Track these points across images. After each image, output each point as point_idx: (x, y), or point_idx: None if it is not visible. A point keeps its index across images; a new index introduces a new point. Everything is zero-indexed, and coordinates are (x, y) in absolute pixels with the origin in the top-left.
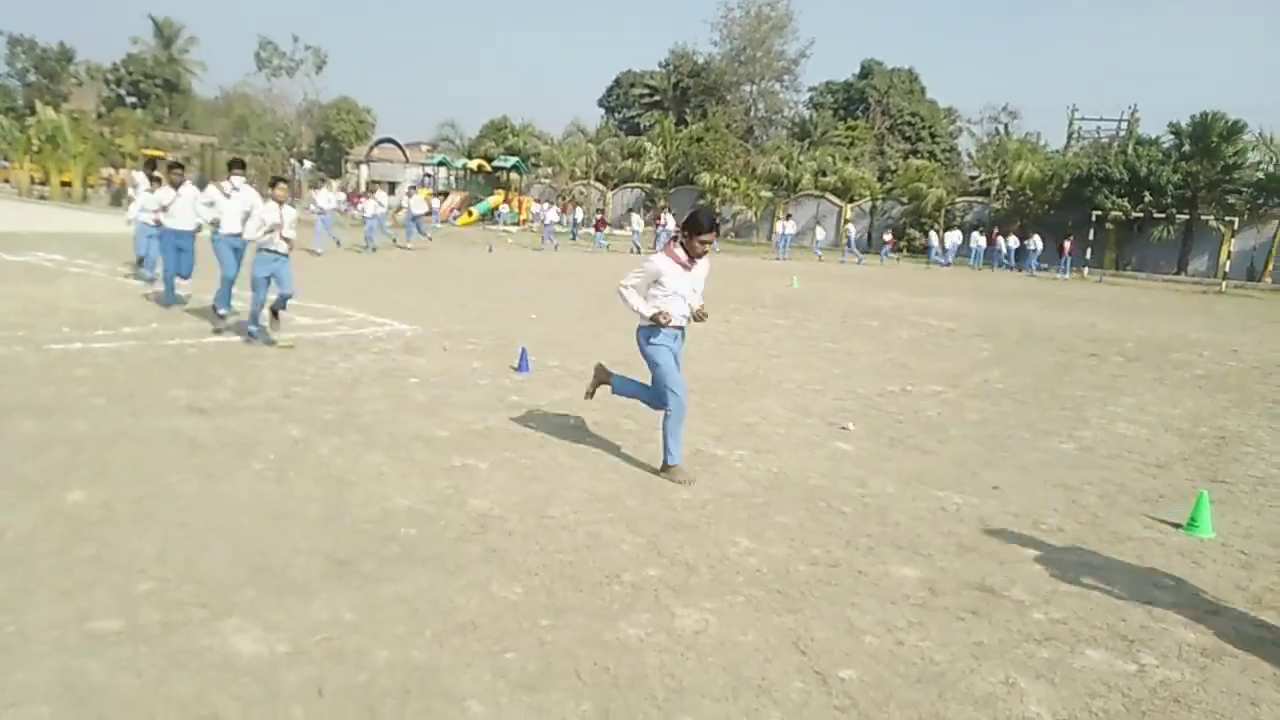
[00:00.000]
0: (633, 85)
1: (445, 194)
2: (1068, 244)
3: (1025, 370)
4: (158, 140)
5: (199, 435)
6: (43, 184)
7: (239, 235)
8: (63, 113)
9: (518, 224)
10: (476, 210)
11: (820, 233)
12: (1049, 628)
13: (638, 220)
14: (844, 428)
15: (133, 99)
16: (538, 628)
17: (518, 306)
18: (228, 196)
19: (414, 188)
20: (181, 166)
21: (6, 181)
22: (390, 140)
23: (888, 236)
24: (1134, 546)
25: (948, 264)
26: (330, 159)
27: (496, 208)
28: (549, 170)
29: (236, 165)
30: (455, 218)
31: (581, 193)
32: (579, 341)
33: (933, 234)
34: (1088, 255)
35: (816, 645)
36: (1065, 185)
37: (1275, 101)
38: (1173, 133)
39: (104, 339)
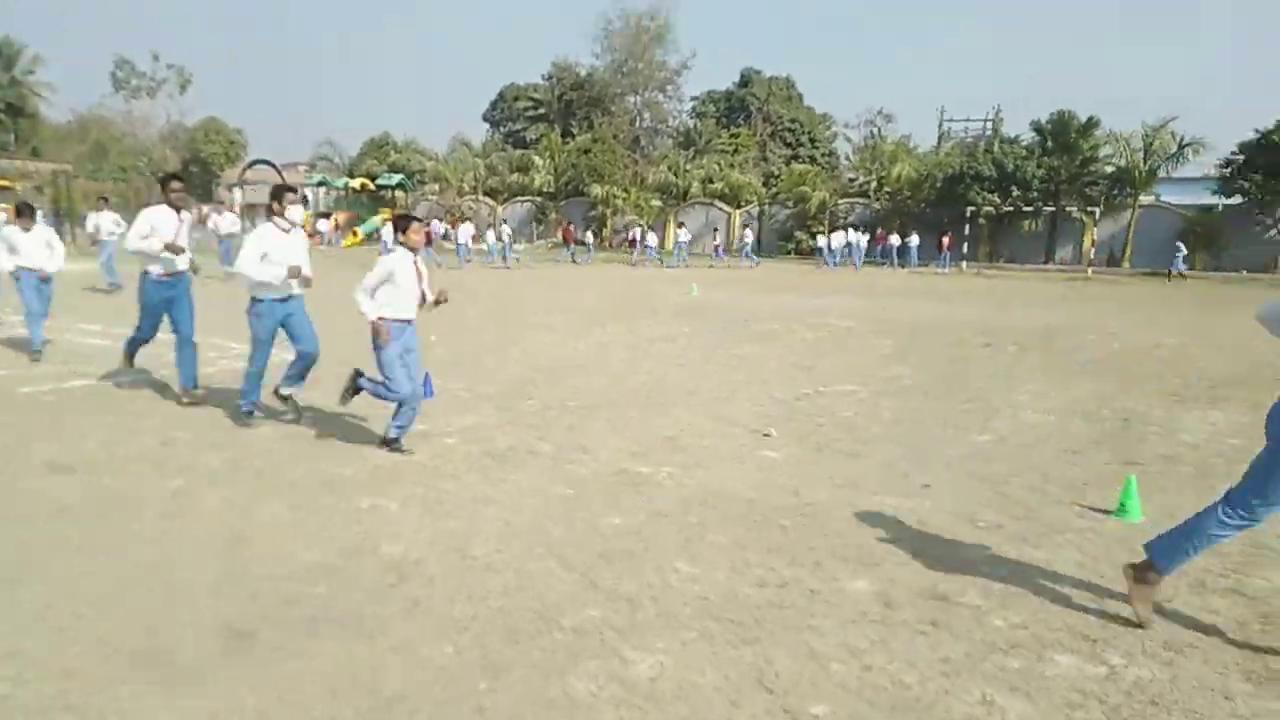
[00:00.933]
0: (516, 98)
1: (326, 214)
2: (945, 240)
3: (928, 365)
4: (3, 169)
5: (66, 498)
6: None
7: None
8: None
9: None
10: (362, 230)
11: (718, 237)
12: (1011, 634)
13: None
14: (767, 434)
15: None
16: (475, 693)
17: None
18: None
19: (219, 205)
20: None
21: None
22: (265, 161)
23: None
24: (1073, 538)
25: (836, 265)
26: (199, 183)
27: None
28: (435, 187)
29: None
30: (340, 239)
31: (471, 208)
32: (481, 360)
33: (822, 237)
34: (965, 249)
35: (782, 680)
36: (939, 184)
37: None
38: (1034, 130)
39: None
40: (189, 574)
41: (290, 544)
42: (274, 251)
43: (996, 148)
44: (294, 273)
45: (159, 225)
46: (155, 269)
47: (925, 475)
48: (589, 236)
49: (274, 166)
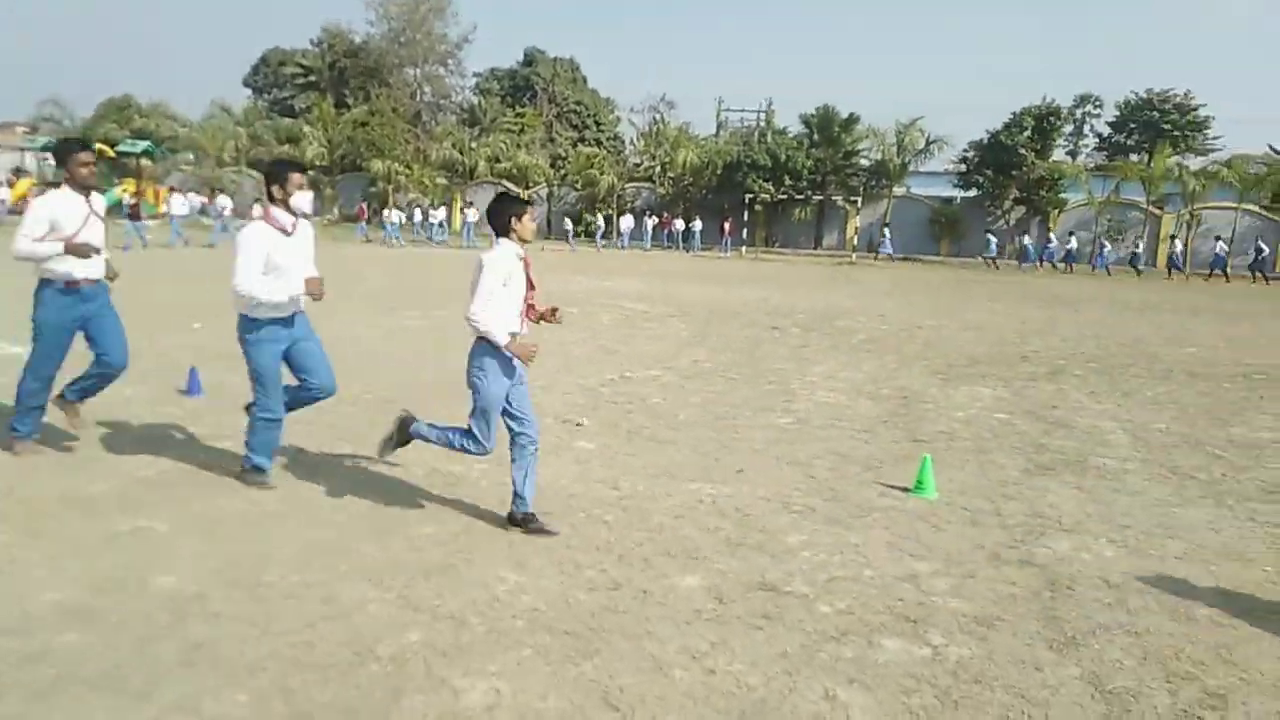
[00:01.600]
0: (282, 63)
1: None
2: (727, 225)
3: (725, 348)
4: None
5: None
6: None
7: None
8: None
9: (155, 217)
10: (106, 199)
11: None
12: (839, 621)
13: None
14: (579, 424)
15: None
16: None
17: (170, 314)
18: None
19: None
20: None
21: None
22: None
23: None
24: (880, 517)
25: (625, 247)
26: None
27: (124, 199)
28: (190, 156)
29: None
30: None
31: (233, 180)
32: None
33: (625, 219)
34: (744, 235)
35: (627, 695)
36: (719, 171)
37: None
38: (803, 123)
39: None
40: None
41: (24, 583)
42: (277, 257)
43: (770, 138)
44: (312, 287)
45: (60, 218)
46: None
47: (737, 460)
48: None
49: None
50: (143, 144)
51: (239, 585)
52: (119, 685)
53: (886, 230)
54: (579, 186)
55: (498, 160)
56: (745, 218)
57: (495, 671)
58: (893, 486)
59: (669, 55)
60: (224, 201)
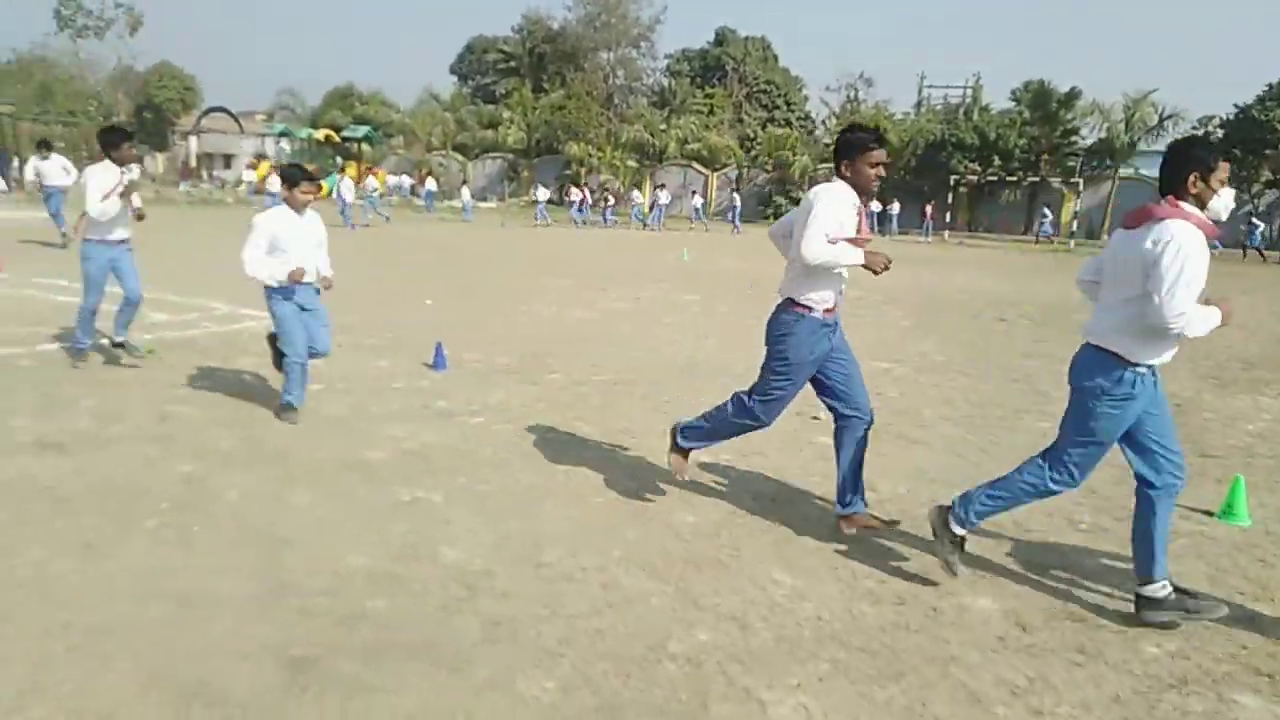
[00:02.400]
0: (485, 51)
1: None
2: (929, 209)
3: (953, 340)
4: None
5: (62, 483)
6: None
7: None
8: None
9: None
10: (326, 183)
11: (698, 200)
12: (1174, 666)
13: (543, 192)
14: (816, 418)
15: None
16: None
17: (406, 290)
18: None
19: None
20: None
21: None
22: (221, 109)
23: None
24: (1188, 544)
25: None
26: (154, 131)
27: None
28: (401, 140)
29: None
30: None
31: (441, 164)
32: (488, 327)
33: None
34: (947, 218)
35: None
36: (920, 151)
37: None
38: (1014, 100)
39: None
40: (222, 583)
41: (332, 545)
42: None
43: (977, 115)
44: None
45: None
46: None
47: (999, 466)
48: (576, 195)
49: (231, 115)
50: (363, 129)
51: (521, 564)
52: (433, 656)
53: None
54: (769, 168)
55: (686, 142)
56: (949, 200)
57: (797, 685)
58: (1192, 509)
59: (866, 31)
60: (432, 185)
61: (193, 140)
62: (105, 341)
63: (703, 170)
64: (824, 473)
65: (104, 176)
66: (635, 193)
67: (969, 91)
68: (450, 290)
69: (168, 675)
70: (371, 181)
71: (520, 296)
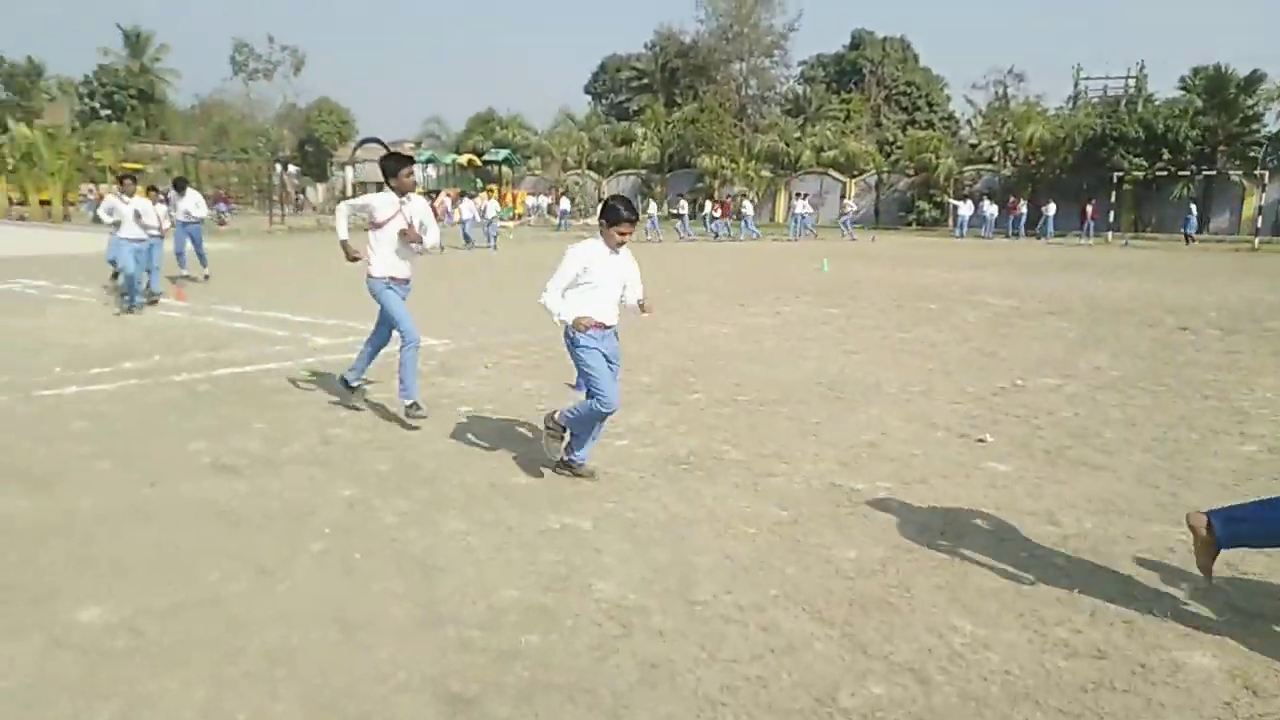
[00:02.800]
0: (619, 69)
1: (436, 193)
2: (1090, 208)
3: (1128, 353)
4: (136, 153)
5: (234, 505)
6: (21, 204)
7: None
8: (36, 129)
9: (513, 218)
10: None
11: (851, 206)
12: None
13: (654, 208)
14: (981, 440)
15: (107, 111)
16: None
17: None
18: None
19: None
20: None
21: None
22: (374, 140)
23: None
24: None
25: (962, 236)
26: (315, 162)
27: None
28: (538, 161)
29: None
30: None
31: (576, 183)
32: (626, 346)
33: (964, 206)
34: (1111, 218)
35: None
36: (1078, 147)
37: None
38: (1184, 88)
39: (101, 378)
40: (382, 611)
41: (484, 573)
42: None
43: (1142, 107)
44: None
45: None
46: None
47: (1198, 498)
48: (683, 207)
49: (383, 144)
50: (503, 152)
51: (673, 599)
52: (590, 699)
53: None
54: (910, 172)
55: (822, 150)
56: (1112, 199)
57: None
58: None
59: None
60: (565, 204)
61: (349, 170)
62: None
63: (840, 177)
64: (997, 503)
65: (383, 206)
66: (746, 203)
67: (1131, 82)
68: None
69: (333, 706)
70: (492, 206)
71: (658, 313)
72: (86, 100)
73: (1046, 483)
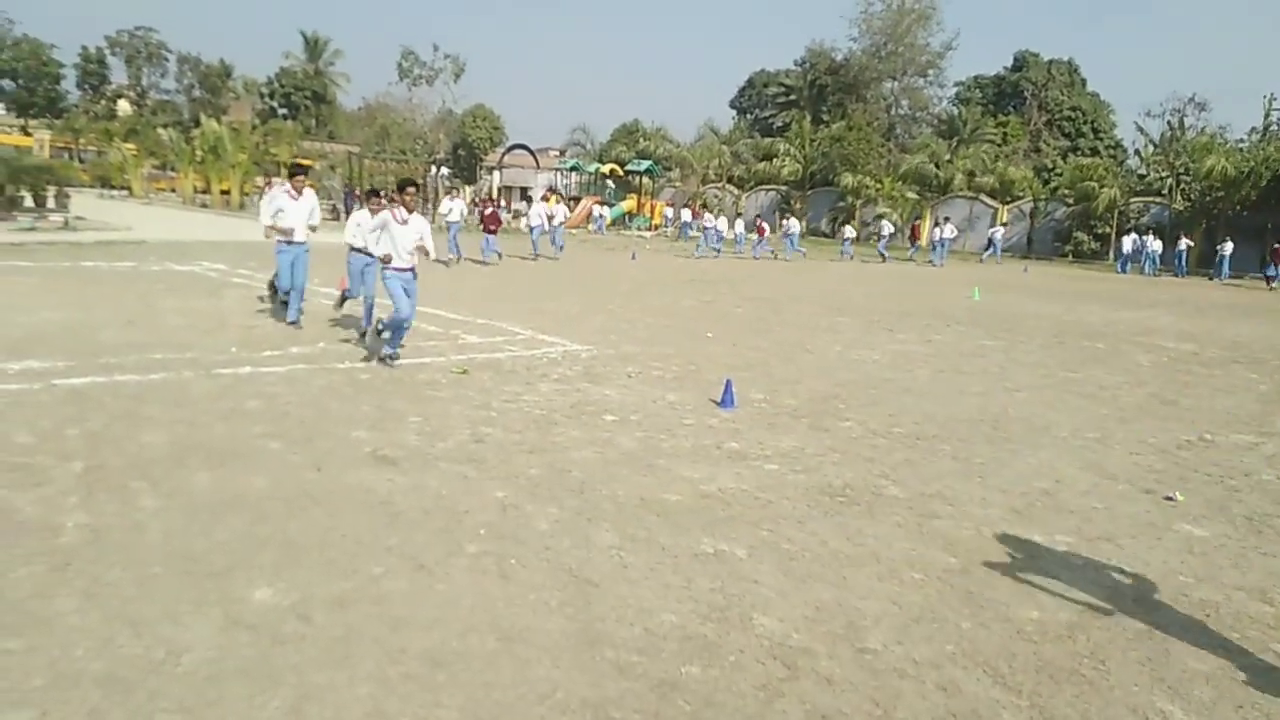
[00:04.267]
0: (766, 85)
1: (576, 199)
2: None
3: None
4: (306, 150)
5: (394, 498)
6: (204, 192)
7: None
8: (223, 125)
9: (650, 228)
10: (609, 215)
11: (999, 232)
12: None
13: (795, 224)
14: (1170, 499)
15: (284, 110)
16: None
17: (687, 321)
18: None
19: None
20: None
21: (172, 190)
22: (522, 146)
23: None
24: None
25: (1124, 271)
26: (466, 165)
27: (630, 213)
28: (678, 173)
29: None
30: (602, 224)
31: (716, 196)
32: (771, 365)
33: (1128, 239)
34: None
35: None
36: (1265, 182)
37: None
38: None
39: (271, 360)
40: (539, 623)
41: (641, 594)
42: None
43: None
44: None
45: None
46: None
47: None
48: (848, 230)
49: (530, 151)
50: (645, 163)
51: (841, 645)
52: None
53: None
54: (1070, 201)
55: (974, 174)
56: None
57: None
58: None
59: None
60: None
61: (496, 174)
62: None
63: (991, 203)
64: (1195, 572)
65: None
66: (792, 221)
67: None
68: (728, 324)
69: (479, 716)
70: (560, 211)
71: (802, 334)
72: (267, 99)
73: (1252, 553)
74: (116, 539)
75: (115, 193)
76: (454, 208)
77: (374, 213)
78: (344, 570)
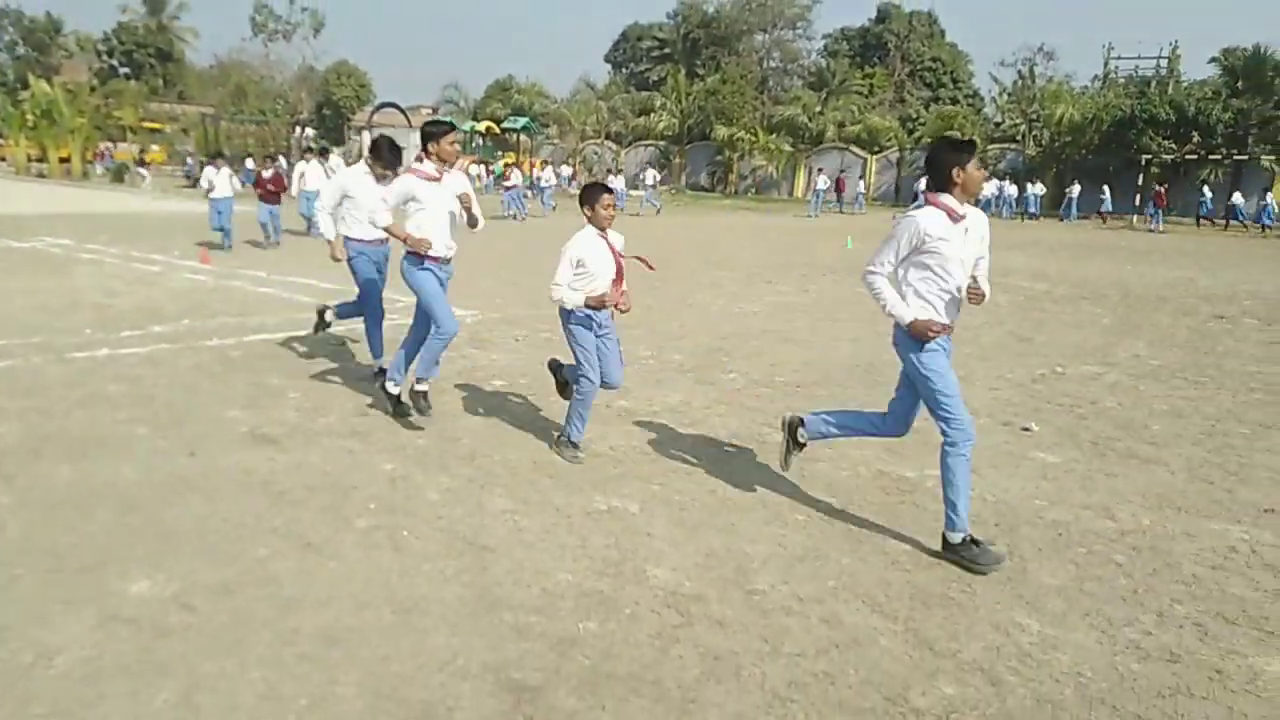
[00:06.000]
0: (640, 38)
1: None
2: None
3: (1166, 341)
4: (154, 112)
5: (276, 477)
6: (40, 161)
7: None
8: (56, 86)
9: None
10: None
11: (821, 181)
12: None
13: (653, 175)
14: (1026, 429)
15: (125, 69)
16: None
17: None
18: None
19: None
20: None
21: (3, 160)
22: (392, 104)
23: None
24: None
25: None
26: (332, 125)
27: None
28: (556, 130)
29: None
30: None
31: (595, 153)
32: (656, 321)
33: (988, 185)
34: (1135, 201)
35: None
36: (1105, 128)
37: None
38: (1222, 69)
39: (132, 341)
40: (436, 592)
41: (537, 556)
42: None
43: (1173, 88)
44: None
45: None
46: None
47: (1255, 494)
48: (821, 181)
49: (401, 110)
50: (522, 120)
51: (730, 588)
52: (656, 691)
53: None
54: None
55: (844, 124)
56: (1138, 182)
57: None
58: None
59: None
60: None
61: (365, 135)
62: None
63: (861, 153)
64: (1050, 495)
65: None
66: (649, 173)
67: (1163, 62)
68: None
69: (394, 693)
70: (549, 174)
71: (685, 289)
72: (105, 57)
73: (1098, 475)
74: None
75: None
76: (307, 171)
77: (379, 178)
78: (227, 555)
